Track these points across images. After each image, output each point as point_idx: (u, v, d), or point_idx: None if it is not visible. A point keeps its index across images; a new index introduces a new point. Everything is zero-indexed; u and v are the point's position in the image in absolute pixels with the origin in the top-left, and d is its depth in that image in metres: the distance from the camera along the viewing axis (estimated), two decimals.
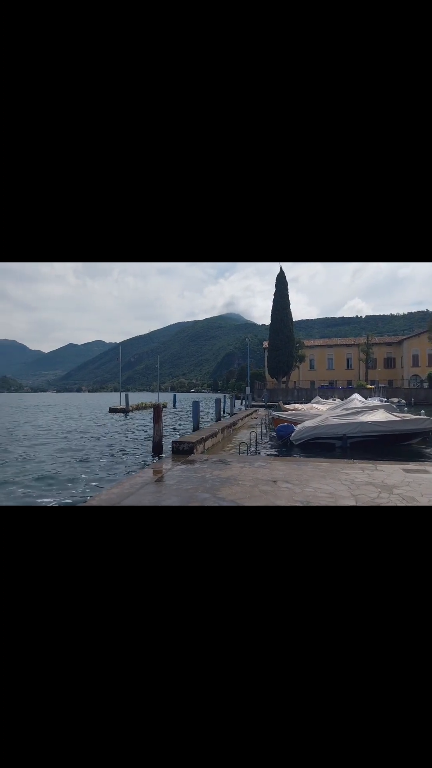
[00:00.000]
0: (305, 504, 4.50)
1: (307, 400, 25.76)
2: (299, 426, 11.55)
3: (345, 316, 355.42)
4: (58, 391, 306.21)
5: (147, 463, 9.67)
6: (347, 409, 11.98)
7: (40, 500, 6.98)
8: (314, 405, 17.45)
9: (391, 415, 11.59)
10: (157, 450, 10.01)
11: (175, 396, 46.05)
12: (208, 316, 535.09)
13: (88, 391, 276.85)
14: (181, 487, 5.39)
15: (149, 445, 11.74)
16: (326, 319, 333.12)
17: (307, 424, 11.49)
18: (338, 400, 17.61)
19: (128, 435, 17.06)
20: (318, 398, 21.15)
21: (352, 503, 4.55)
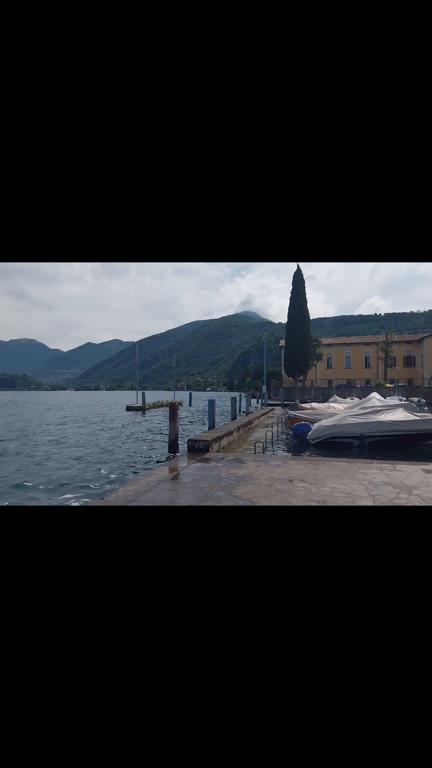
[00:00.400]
0: (321, 504, 4.45)
1: (325, 399, 25.46)
2: (316, 425, 11.43)
3: (363, 314, 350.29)
4: (76, 389, 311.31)
5: (162, 461, 9.75)
6: (365, 408, 11.77)
7: (61, 497, 7.13)
8: (331, 404, 17.23)
9: (410, 415, 11.34)
10: (173, 448, 10.07)
11: (190, 394, 46.22)
12: (224, 315, 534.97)
13: (106, 390, 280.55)
14: (197, 485, 5.40)
15: (163, 442, 11.83)
16: (344, 317, 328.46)
17: (324, 423, 11.35)
18: (356, 399, 17.33)
19: (149, 433, 17.22)
20: (335, 397, 20.86)
21: (370, 503, 4.48)
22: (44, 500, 6.94)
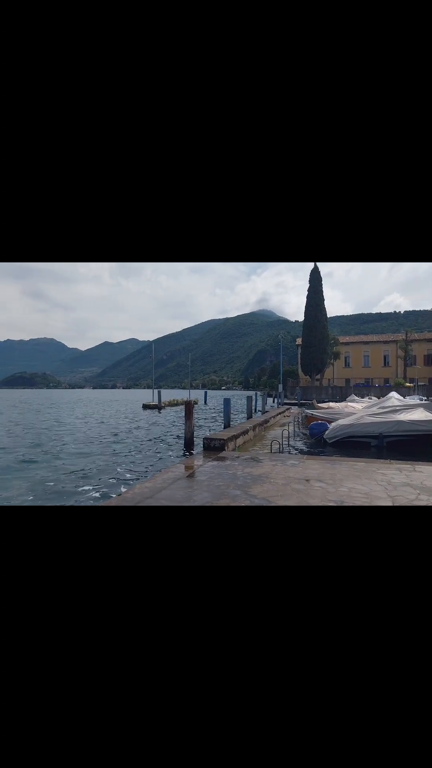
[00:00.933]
0: (339, 503, 4.39)
1: (342, 399, 25.11)
2: (333, 424, 11.28)
3: (382, 311, 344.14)
4: (94, 388, 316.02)
5: (178, 458, 9.79)
6: (384, 407, 11.54)
7: (80, 489, 7.26)
8: (349, 403, 16.95)
9: (431, 414, 11.06)
10: (189, 446, 10.11)
11: (206, 393, 46.33)
12: (240, 313, 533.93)
13: (123, 388, 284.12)
14: (213, 483, 5.41)
15: (175, 439, 11.88)
16: (362, 315, 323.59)
17: (342, 422, 11.20)
18: (375, 399, 17.03)
19: (169, 431, 17.34)
20: (353, 396, 20.53)
21: (389, 504, 4.39)
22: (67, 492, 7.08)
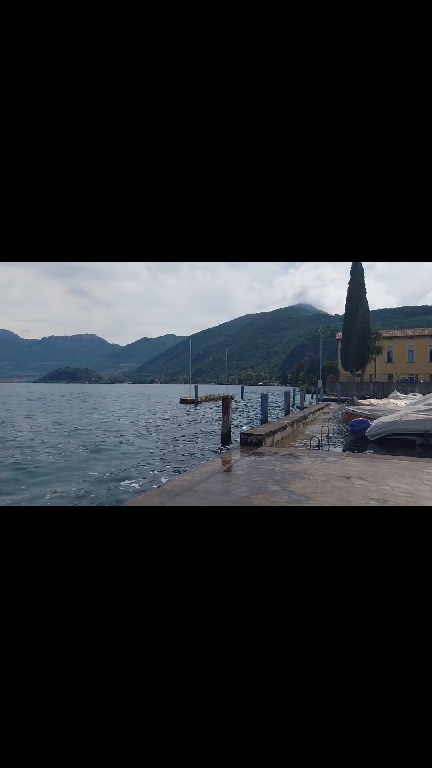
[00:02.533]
0: (381, 503, 4.26)
1: (384, 395, 24.18)
2: (375, 421, 10.90)
3: (429, 304, 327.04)
4: (133, 383, 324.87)
5: (216, 453, 9.87)
6: (430, 404, 11.01)
7: (123, 482, 7.53)
8: (392, 400, 16.29)
9: None
10: (226, 440, 10.15)
11: (242, 388, 46.27)
12: (278, 308, 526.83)
13: (161, 383, 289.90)
14: (251, 478, 5.41)
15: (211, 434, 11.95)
16: (406, 308, 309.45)
17: (384, 419, 10.79)
18: (419, 395, 16.26)
19: (207, 425, 17.54)
20: (396, 393, 19.69)
21: None
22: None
